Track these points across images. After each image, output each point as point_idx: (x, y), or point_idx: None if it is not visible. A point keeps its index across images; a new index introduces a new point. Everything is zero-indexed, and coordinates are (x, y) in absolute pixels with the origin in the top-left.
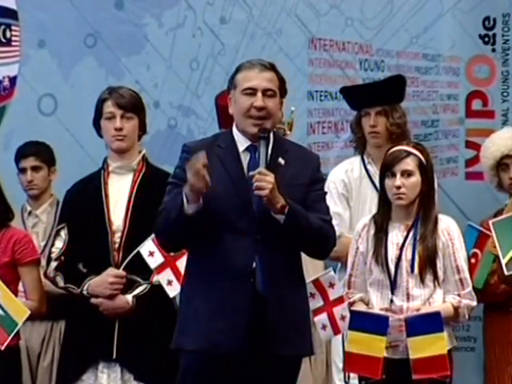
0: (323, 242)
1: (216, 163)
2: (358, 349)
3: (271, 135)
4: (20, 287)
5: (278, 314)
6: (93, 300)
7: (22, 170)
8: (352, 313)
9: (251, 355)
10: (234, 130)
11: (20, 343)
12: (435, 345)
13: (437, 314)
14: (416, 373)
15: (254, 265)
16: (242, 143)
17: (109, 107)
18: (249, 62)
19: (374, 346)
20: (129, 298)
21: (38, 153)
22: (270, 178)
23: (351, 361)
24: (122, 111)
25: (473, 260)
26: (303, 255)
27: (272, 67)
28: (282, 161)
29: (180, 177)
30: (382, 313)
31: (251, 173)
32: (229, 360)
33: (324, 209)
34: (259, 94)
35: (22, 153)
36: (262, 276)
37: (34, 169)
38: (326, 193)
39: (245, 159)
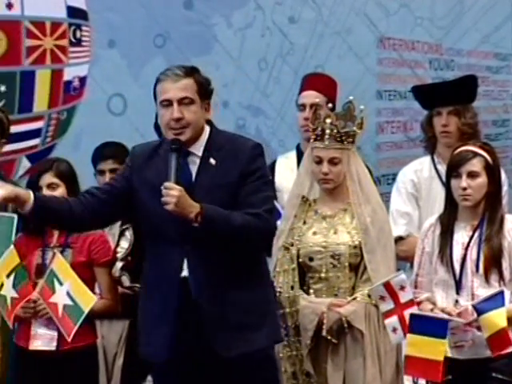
0: (251, 236)
1: (153, 173)
2: (417, 352)
3: (206, 134)
4: (96, 289)
5: (215, 316)
6: None
7: (100, 172)
8: (411, 316)
9: (197, 362)
10: None
11: (97, 342)
12: (498, 320)
13: (500, 292)
14: (493, 351)
15: (185, 273)
16: None
17: None
18: (163, 74)
19: (434, 349)
20: None
21: (116, 155)
22: (175, 191)
23: (411, 364)
24: None
25: None
26: (382, 258)
27: (187, 73)
28: (212, 161)
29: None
30: (442, 316)
31: (162, 186)
32: (177, 370)
33: (257, 201)
34: (175, 105)
35: (100, 155)
36: (193, 281)
37: (113, 171)
38: (264, 182)
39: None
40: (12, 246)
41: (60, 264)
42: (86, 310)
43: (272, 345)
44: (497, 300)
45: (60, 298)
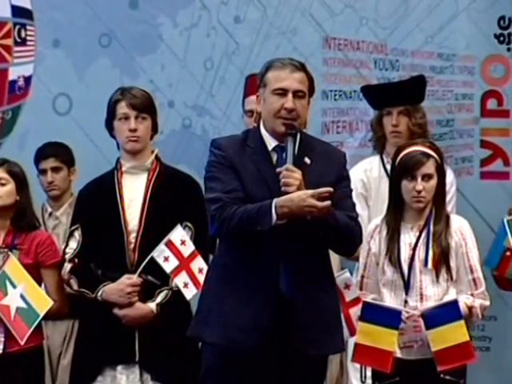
0: (350, 238)
1: (248, 163)
2: (368, 341)
3: (298, 134)
4: None
5: (303, 314)
6: (116, 311)
7: (42, 172)
8: (364, 304)
9: (274, 354)
10: (262, 129)
11: (43, 343)
12: (456, 333)
13: (454, 303)
14: (441, 364)
15: (280, 265)
16: (270, 143)
17: (122, 108)
18: (280, 61)
19: (385, 339)
20: (152, 306)
21: (57, 153)
22: (297, 174)
23: (360, 352)
24: (136, 112)
25: (508, 253)
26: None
27: (302, 67)
28: (307, 160)
29: (218, 164)
30: (395, 306)
31: (278, 169)
32: (249, 358)
33: (350, 206)
34: (290, 96)
35: (42, 154)
36: (286, 276)
37: (54, 170)
38: (351, 190)
39: (274, 159)
40: None
41: (13, 266)
42: (42, 314)
43: (341, 351)
44: (449, 311)
45: (13, 300)
